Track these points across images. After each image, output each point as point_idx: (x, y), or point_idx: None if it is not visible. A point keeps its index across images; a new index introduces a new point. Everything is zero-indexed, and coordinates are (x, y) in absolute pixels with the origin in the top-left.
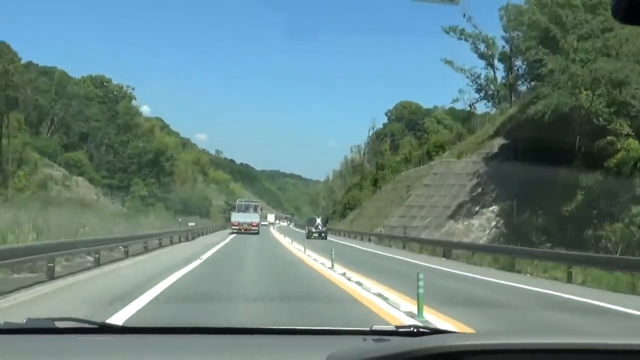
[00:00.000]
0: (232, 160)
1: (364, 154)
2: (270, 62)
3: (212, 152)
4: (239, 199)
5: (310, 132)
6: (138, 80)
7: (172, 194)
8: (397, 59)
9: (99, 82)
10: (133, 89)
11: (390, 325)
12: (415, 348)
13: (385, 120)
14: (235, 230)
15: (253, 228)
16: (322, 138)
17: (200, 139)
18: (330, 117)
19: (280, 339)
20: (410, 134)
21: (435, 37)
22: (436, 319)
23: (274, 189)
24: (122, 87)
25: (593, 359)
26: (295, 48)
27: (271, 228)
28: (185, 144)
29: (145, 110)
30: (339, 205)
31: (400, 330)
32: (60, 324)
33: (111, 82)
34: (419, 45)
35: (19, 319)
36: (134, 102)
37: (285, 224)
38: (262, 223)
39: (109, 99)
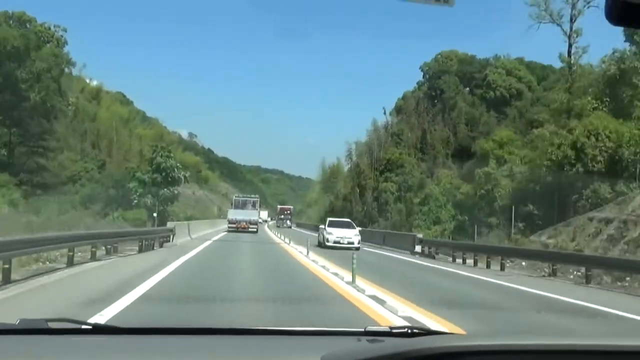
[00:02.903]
0: (210, 150)
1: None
2: (254, 60)
3: (185, 136)
4: (236, 195)
5: (289, 129)
6: (128, 78)
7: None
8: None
9: (18, 20)
10: (65, 30)
11: (384, 326)
12: (409, 349)
13: (420, 77)
14: (232, 229)
15: (251, 227)
16: (301, 135)
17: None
18: (310, 114)
19: (274, 339)
20: (462, 89)
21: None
22: None
23: (257, 182)
24: (49, 28)
25: None
26: (281, 46)
27: (265, 226)
28: (150, 121)
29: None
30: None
31: (394, 331)
32: (53, 325)
33: (35, 21)
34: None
35: None
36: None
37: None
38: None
39: (30, 42)
